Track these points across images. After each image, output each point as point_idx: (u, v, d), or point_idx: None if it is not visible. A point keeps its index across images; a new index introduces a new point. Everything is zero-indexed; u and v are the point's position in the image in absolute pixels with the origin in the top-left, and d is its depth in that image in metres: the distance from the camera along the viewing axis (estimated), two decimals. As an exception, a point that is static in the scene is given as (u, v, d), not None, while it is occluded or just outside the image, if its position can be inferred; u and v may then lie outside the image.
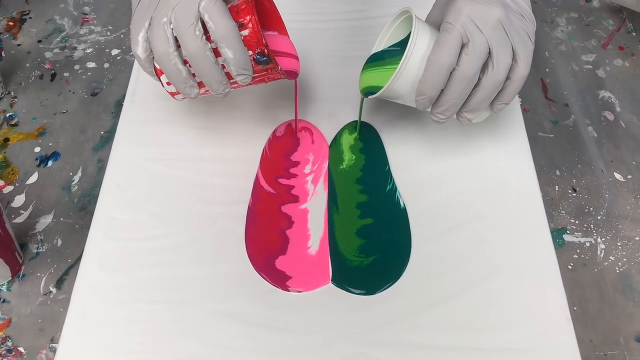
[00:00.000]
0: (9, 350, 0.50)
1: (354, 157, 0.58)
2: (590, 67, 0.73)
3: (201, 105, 0.61)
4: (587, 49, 0.75)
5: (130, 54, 0.72)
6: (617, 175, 0.63)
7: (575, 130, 0.66)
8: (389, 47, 0.53)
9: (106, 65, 0.71)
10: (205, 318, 0.48)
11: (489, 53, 0.47)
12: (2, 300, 0.53)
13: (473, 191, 0.55)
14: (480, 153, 0.58)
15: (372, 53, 0.54)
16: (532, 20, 0.49)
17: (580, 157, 0.64)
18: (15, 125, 0.65)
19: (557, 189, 0.61)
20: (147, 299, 0.49)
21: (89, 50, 0.72)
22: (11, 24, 0.75)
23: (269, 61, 0.48)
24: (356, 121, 0.61)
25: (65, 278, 0.54)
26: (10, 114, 0.66)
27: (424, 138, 0.59)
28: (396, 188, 0.55)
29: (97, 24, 0.75)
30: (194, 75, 0.48)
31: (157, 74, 0.50)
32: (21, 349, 0.51)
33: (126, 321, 0.48)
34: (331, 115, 0.61)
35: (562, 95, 0.70)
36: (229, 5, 0.46)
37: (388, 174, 0.56)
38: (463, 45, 0.47)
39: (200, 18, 0.45)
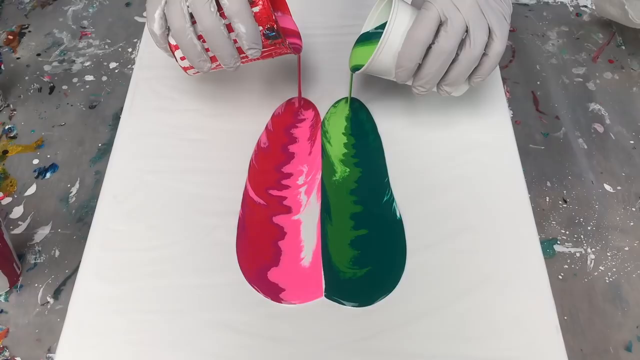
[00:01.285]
0: (7, 360, 0.51)
1: (348, 169, 0.59)
2: (581, 80, 0.74)
3: (196, 119, 0.62)
4: (577, 62, 0.76)
5: (128, 67, 0.73)
6: (607, 187, 0.64)
7: (566, 142, 0.67)
8: (375, 27, 0.58)
9: (104, 78, 0.72)
10: (200, 328, 0.49)
11: (467, 31, 0.50)
12: (0, 310, 0.54)
13: (464, 202, 0.57)
14: (471, 165, 0.59)
15: (360, 33, 0.58)
16: (508, 3, 0.53)
17: (571, 168, 0.65)
18: (14, 137, 0.66)
19: (547, 200, 0.62)
20: (143, 309, 0.50)
21: (87, 64, 0.73)
22: (11, 37, 0.76)
23: (278, 36, 0.52)
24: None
25: (62, 288, 0.55)
26: (10, 126, 0.67)
27: (418, 150, 0.60)
28: (394, 199, 0.56)
29: (95, 38, 0.76)
30: (207, 50, 0.51)
31: (172, 49, 0.53)
32: (18, 359, 0.51)
33: (122, 331, 0.49)
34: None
35: (553, 107, 0.71)
36: None
37: (387, 185, 0.57)
38: (442, 23, 0.50)
39: None
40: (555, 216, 0.61)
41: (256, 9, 0.50)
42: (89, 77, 0.72)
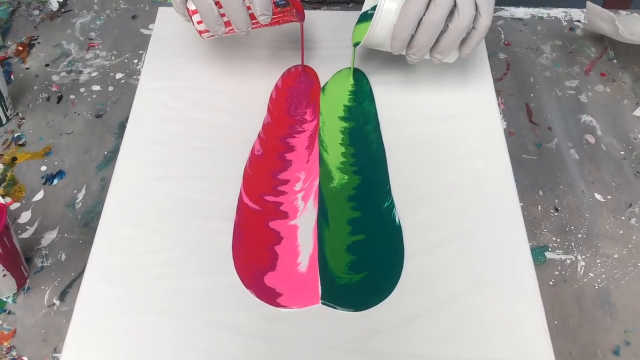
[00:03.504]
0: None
1: (347, 176, 0.61)
2: (573, 92, 0.76)
3: (199, 128, 0.65)
4: (570, 75, 0.78)
5: (134, 77, 0.75)
6: (598, 196, 0.66)
7: (558, 152, 0.69)
8: (372, 7, 0.64)
9: (110, 88, 0.74)
10: (201, 328, 0.51)
11: (455, 5, 0.56)
12: (7, 311, 0.55)
13: (458, 209, 0.59)
14: (465, 173, 0.62)
15: (360, 13, 0.66)
16: None
17: (563, 178, 0.67)
18: (23, 145, 0.68)
19: (539, 209, 0.64)
20: (146, 310, 0.52)
21: (94, 74, 0.76)
22: (20, 48, 0.78)
23: (287, 4, 0.60)
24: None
25: (68, 291, 0.57)
26: (18, 134, 0.69)
27: (415, 159, 0.62)
28: (394, 205, 0.58)
29: (102, 49, 0.78)
30: (222, 15, 0.58)
31: (189, 14, 0.60)
32: (25, 359, 0.53)
33: (126, 331, 0.51)
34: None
35: (546, 119, 0.73)
36: None
37: (388, 192, 0.59)
38: None
39: None
40: (547, 224, 0.63)
41: None
42: (96, 87, 0.74)
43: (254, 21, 0.59)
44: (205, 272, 0.54)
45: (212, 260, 0.55)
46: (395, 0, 0.59)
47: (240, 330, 0.51)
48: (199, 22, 0.60)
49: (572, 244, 0.62)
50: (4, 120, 0.70)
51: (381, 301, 0.53)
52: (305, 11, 0.80)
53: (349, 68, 0.70)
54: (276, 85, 0.69)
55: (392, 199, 0.59)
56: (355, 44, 0.65)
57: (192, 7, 0.59)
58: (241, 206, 0.59)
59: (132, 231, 0.57)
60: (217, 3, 0.57)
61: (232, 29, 0.60)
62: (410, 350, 0.50)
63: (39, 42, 0.79)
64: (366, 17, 0.65)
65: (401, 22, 0.58)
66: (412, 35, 0.59)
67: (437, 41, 0.59)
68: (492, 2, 0.59)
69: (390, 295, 0.53)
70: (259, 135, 0.64)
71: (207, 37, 0.62)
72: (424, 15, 0.57)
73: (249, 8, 0.58)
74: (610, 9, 0.80)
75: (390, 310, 0.52)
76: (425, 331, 0.51)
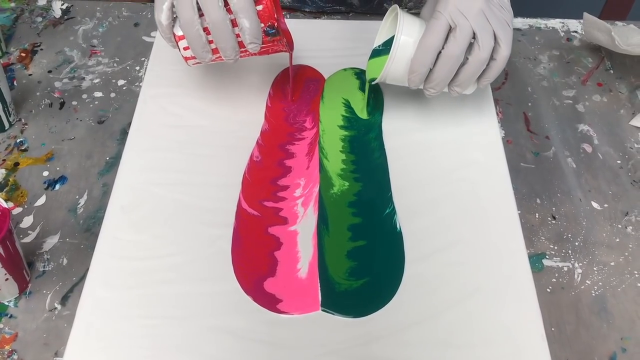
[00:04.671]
0: (15, 363, 0.53)
1: (347, 183, 0.61)
2: (570, 102, 0.77)
3: (201, 134, 0.65)
4: (567, 85, 0.79)
5: (136, 84, 0.76)
6: (594, 204, 0.66)
7: (555, 161, 0.70)
8: (385, 42, 0.63)
9: (112, 95, 0.75)
10: (203, 333, 0.52)
11: (474, 37, 0.55)
12: (9, 315, 0.56)
13: (457, 217, 0.59)
14: (464, 182, 0.62)
15: (372, 48, 0.64)
16: (509, 11, 0.58)
17: (560, 186, 0.68)
18: (25, 150, 0.69)
19: (537, 217, 0.65)
20: (148, 315, 0.53)
21: (96, 81, 0.76)
22: (23, 55, 0.79)
23: (277, 33, 0.57)
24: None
25: (69, 295, 0.57)
26: (21, 139, 0.70)
27: (415, 167, 0.63)
28: (395, 212, 0.59)
29: (105, 56, 0.79)
30: (210, 42, 0.56)
31: (176, 40, 0.58)
32: (26, 362, 0.53)
33: (128, 335, 0.52)
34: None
35: (544, 128, 0.73)
36: None
37: (390, 199, 0.60)
38: (451, 30, 0.55)
39: None
40: (544, 232, 0.64)
41: (260, 7, 0.55)
42: (98, 94, 0.75)
43: (243, 49, 0.57)
44: (207, 277, 0.55)
45: (214, 266, 0.55)
46: (411, 34, 0.57)
47: (241, 334, 0.51)
48: (185, 48, 0.58)
49: (570, 251, 0.62)
50: (6, 125, 0.70)
51: (381, 308, 0.53)
52: (306, 20, 0.81)
53: (344, 71, 0.72)
54: (274, 95, 0.70)
55: (394, 206, 0.60)
56: (371, 80, 0.63)
57: (179, 32, 0.57)
58: (240, 212, 0.59)
59: (134, 236, 0.57)
60: (205, 29, 0.56)
61: (220, 57, 0.58)
62: (409, 355, 0.50)
63: (41, 49, 0.80)
64: (379, 52, 0.63)
65: (419, 56, 0.56)
66: (431, 69, 0.57)
67: (456, 74, 0.58)
68: (510, 32, 0.57)
69: (390, 301, 0.54)
70: (257, 142, 0.65)
71: (193, 64, 0.60)
72: (442, 48, 0.55)
73: (238, 36, 0.56)
74: (607, 20, 0.82)
75: (390, 316, 0.53)
76: (425, 337, 0.51)
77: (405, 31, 0.58)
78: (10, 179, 0.66)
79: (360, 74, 0.72)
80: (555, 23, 0.87)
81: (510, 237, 0.58)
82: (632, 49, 0.76)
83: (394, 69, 0.59)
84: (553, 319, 0.57)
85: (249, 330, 0.52)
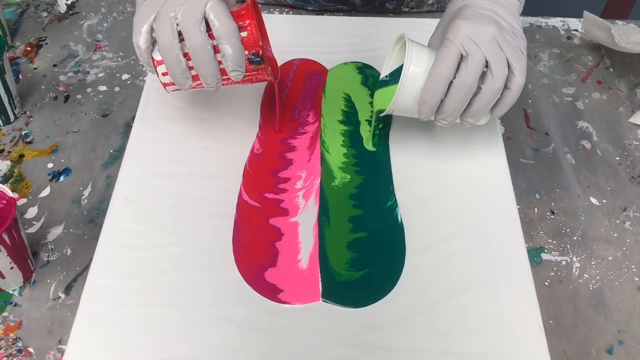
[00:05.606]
0: (19, 351, 0.54)
1: (349, 176, 0.62)
2: (570, 99, 0.77)
3: (203, 127, 0.66)
4: (567, 83, 0.79)
5: (140, 78, 0.76)
6: (593, 200, 0.67)
7: (555, 157, 0.71)
8: (392, 72, 0.61)
9: (117, 88, 0.75)
10: (204, 321, 0.52)
11: (487, 65, 0.52)
12: (14, 304, 0.57)
13: (457, 210, 0.60)
14: (465, 176, 0.63)
15: (380, 79, 0.62)
16: (523, 38, 0.56)
17: (559, 182, 0.68)
18: (30, 142, 0.69)
19: (536, 211, 0.65)
20: (150, 303, 0.53)
21: (100, 75, 0.77)
22: (28, 49, 0.80)
23: (262, 62, 0.54)
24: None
25: (73, 285, 0.58)
26: (26, 132, 0.71)
27: (417, 162, 0.64)
28: (397, 204, 0.59)
29: (109, 51, 0.80)
30: (190, 68, 0.53)
31: (154, 64, 0.54)
32: (31, 350, 0.54)
33: (130, 323, 0.52)
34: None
35: (543, 124, 0.74)
36: (229, 10, 0.53)
37: (392, 192, 0.60)
38: (463, 59, 0.52)
39: (205, 17, 0.51)
40: (543, 226, 0.64)
41: (244, 34, 0.52)
42: (102, 88, 0.76)
43: (225, 77, 0.55)
44: (209, 267, 0.55)
45: (215, 256, 0.56)
46: (420, 64, 0.54)
47: (242, 323, 0.52)
48: (164, 74, 0.55)
49: (568, 246, 0.63)
50: (12, 118, 0.71)
51: (381, 299, 0.54)
52: (309, 16, 0.81)
53: (345, 65, 0.73)
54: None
55: (395, 198, 0.60)
56: (379, 111, 0.60)
57: (157, 57, 0.54)
58: (241, 203, 0.60)
59: (137, 226, 0.58)
60: (185, 55, 0.53)
61: (200, 84, 0.55)
62: (409, 344, 0.51)
63: (46, 43, 0.81)
64: (386, 82, 0.61)
65: (430, 86, 0.53)
66: (442, 99, 0.54)
67: (469, 104, 0.55)
68: (525, 60, 0.54)
69: (390, 292, 0.54)
70: (257, 135, 0.65)
71: (172, 90, 0.57)
72: (454, 77, 0.53)
73: (220, 63, 0.53)
74: (608, 19, 0.82)
75: (389, 307, 0.53)
76: (424, 326, 0.52)
77: (414, 60, 0.54)
78: (16, 171, 0.67)
79: (362, 68, 0.73)
80: (555, 22, 0.88)
81: (509, 230, 0.59)
82: (632, 47, 0.76)
83: (403, 101, 0.56)
84: (551, 312, 0.58)
85: (250, 318, 0.52)
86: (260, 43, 0.53)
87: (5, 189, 0.55)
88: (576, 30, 0.86)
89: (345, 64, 0.73)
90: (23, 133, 0.71)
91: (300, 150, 0.64)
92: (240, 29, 0.53)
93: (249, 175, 0.62)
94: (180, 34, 0.51)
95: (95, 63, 0.79)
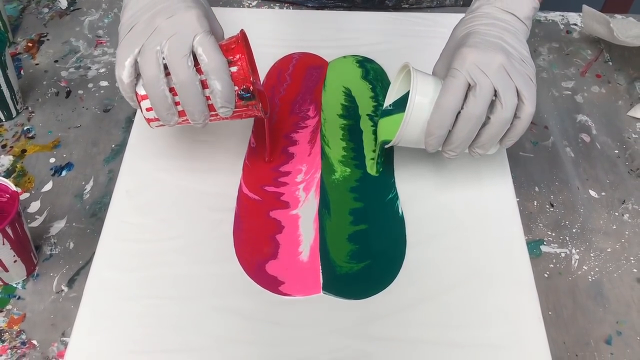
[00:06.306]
0: (23, 343, 0.54)
1: (349, 169, 0.62)
2: (569, 93, 0.78)
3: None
4: (566, 77, 0.80)
5: (141, 74, 0.77)
6: (592, 193, 0.67)
7: (554, 150, 0.71)
8: (395, 100, 0.59)
9: (118, 84, 0.76)
10: (205, 312, 0.53)
11: (495, 95, 0.50)
12: (17, 297, 0.57)
13: (458, 203, 0.61)
14: (465, 169, 0.63)
15: (383, 108, 0.60)
16: (531, 65, 0.53)
17: (558, 175, 0.69)
18: (32, 137, 0.70)
19: (535, 204, 0.66)
20: (152, 295, 0.54)
21: (102, 70, 0.77)
22: (30, 45, 0.80)
23: (252, 98, 0.51)
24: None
25: (76, 278, 0.58)
26: (28, 127, 0.71)
27: (420, 156, 0.64)
28: (397, 197, 0.60)
29: (110, 46, 0.80)
30: (176, 104, 0.51)
31: (138, 99, 0.52)
32: (34, 342, 0.54)
33: (133, 314, 0.53)
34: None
35: (543, 118, 0.74)
36: (218, 43, 0.50)
37: (392, 185, 0.61)
38: (470, 88, 0.50)
39: (193, 51, 0.48)
40: (543, 219, 0.65)
41: (234, 69, 0.50)
42: (104, 83, 0.76)
43: (213, 113, 0.52)
44: (210, 259, 0.56)
45: (217, 249, 0.57)
46: (426, 94, 0.52)
47: (244, 314, 0.52)
48: (148, 109, 0.52)
49: (567, 238, 0.63)
50: (14, 113, 0.71)
51: (381, 291, 0.55)
52: (309, 11, 0.82)
53: (344, 58, 0.73)
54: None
55: (396, 191, 0.61)
56: (384, 142, 0.58)
57: (142, 92, 0.51)
58: (241, 197, 0.60)
59: (139, 220, 0.58)
60: (171, 89, 0.50)
61: (186, 120, 0.53)
62: (409, 335, 0.52)
63: (48, 39, 0.81)
64: (390, 111, 0.59)
65: (437, 118, 0.51)
66: (449, 131, 0.52)
67: (477, 135, 0.53)
68: (534, 88, 0.52)
69: (390, 284, 0.55)
70: (252, 130, 0.66)
71: (156, 126, 0.55)
72: (461, 108, 0.51)
73: (208, 98, 0.51)
74: (608, 13, 0.83)
75: (391, 297, 0.54)
76: (425, 317, 0.53)
77: (420, 90, 0.52)
78: (18, 166, 0.67)
79: (362, 61, 0.73)
80: (555, 16, 0.88)
81: (509, 223, 0.60)
82: (631, 41, 0.77)
83: (409, 132, 0.54)
84: (550, 303, 0.58)
85: (252, 310, 0.53)
86: (251, 78, 0.51)
87: (8, 182, 0.56)
88: (575, 24, 0.87)
89: (345, 57, 0.73)
90: (25, 128, 0.71)
91: (302, 144, 0.65)
92: (230, 63, 0.50)
93: (247, 168, 0.62)
94: (165, 66, 0.49)
95: (97, 59, 0.79)
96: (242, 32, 0.52)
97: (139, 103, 0.52)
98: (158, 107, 0.51)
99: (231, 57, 0.50)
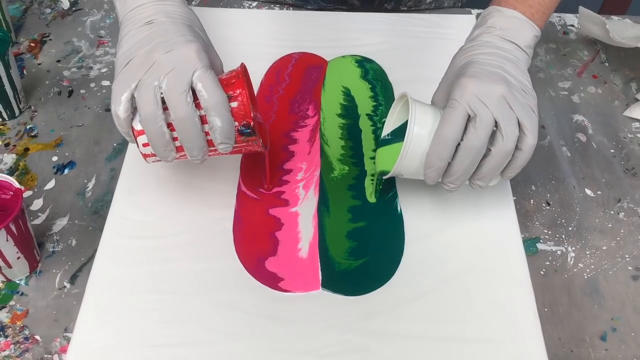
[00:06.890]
0: (26, 338, 0.55)
1: (347, 167, 0.63)
2: (566, 93, 0.79)
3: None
4: (563, 77, 0.81)
5: (142, 73, 0.77)
6: (588, 191, 0.68)
7: (551, 150, 0.72)
8: (393, 130, 0.58)
9: (120, 83, 0.76)
10: (206, 308, 0.54)
11: (496, 126, 0.49)
12: (20, 293, 0.58)
13: (455, 201, 0.61)
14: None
15: (381, 138, 0.59)
16: (533, 95, 0.53)
17: (555, 174, 0.69)
18: (35, 136, 0.71)
19: (532, 203, 0.67)
20: (154, 290, 0.55)
21: (103, 70, 0.78)
22: (33, 45, 0.81)
23: (253, 134, 0.50)
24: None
25: (78, 274, 0.59)
26: (31, 126, 0.72)
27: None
28: (397, 195, 0.61)
29: (112, 46, 0.81)
30: (174, 139, 0.49)
31: (134, 134, 0.50)
32: (37, 337, 0.55)
33: (135, 309, 0.54)
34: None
35: (540, 118, 0.74)
36: (218, 77, 0.49)
37: (392, 184, 0.61)
38: (470, 119, 0.49)
39: (192, 86, 0.47)
40: (539, 217, 0.66)
41: (234, 104, 0.49)
42: (105, 83, 0.77)
43: (212, 148, 0.50)
44: (212, 255, 0.57)
45: (219, 245, 0.57)
46: (424, 125, 0.51)
47: (244, 309, 0.53)
48: (144, 145, 0.51)
49: (563, 236, 0.64)
50: (17, 112, 0.72)
51: (379, 287, 0.55)
52: (309, 12, 0.83)
53: (343, 58, 0.74)
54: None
55: (396, 189, 0.62)
56: (382, 173, 0.57)
57: (138, 127, 0.49)
58: (240, 194, 0.61)
59: (142, 216, 0.59)
60: (169, 125, 0.48)
61: (184, 155, 0.51)
62: (406, 330, 0.52)
63: (50, 39, 0.82)
64: (389, 141, 0.57)
65: (436, 149, 0.50)
66: (449, 162, 0.51)
67: (478, 167, 0.51)
68: (536, 119, 0.51)
69: (388, 280, 0.56)
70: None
71: (153, 161, 0.53)
72: (461, 140, 0.49)
73: (207, 134, 0.49)
74: (606, 14, 0.83)
75: (389, 294, 0.55)
76: (422, 312, 0.53)
77: (418, 121, 0.51)
78: (21, 164, 0.68)
79: (361, 61, 0.74)
80: (552, 17, 0.89)
81: (505, 221, 0.60)
82: (627, 42, 0.78)
83: (408, 164, 0.53)
84: (546, 300, 0.59)
85: (252, 305, 0.54)
86: (252, 114, 0.49)
87: (12, 180, 0.56)
88: (572, 25, 0.88)
89: (344, 57, 0.74)
90: (28, 127, 0.72)
91: (301, 142, 0.66)
92: (230, 98, 0.48)
93: (245, 167, 0.63)
94: (163, 101, 0.47)
95: (99, 58, 0.80)
96: (243, 66, 0.51)
97: (136, 138, 0.51)
98: (155, 143, 0.49)
99: (231, 92, 0.49)
